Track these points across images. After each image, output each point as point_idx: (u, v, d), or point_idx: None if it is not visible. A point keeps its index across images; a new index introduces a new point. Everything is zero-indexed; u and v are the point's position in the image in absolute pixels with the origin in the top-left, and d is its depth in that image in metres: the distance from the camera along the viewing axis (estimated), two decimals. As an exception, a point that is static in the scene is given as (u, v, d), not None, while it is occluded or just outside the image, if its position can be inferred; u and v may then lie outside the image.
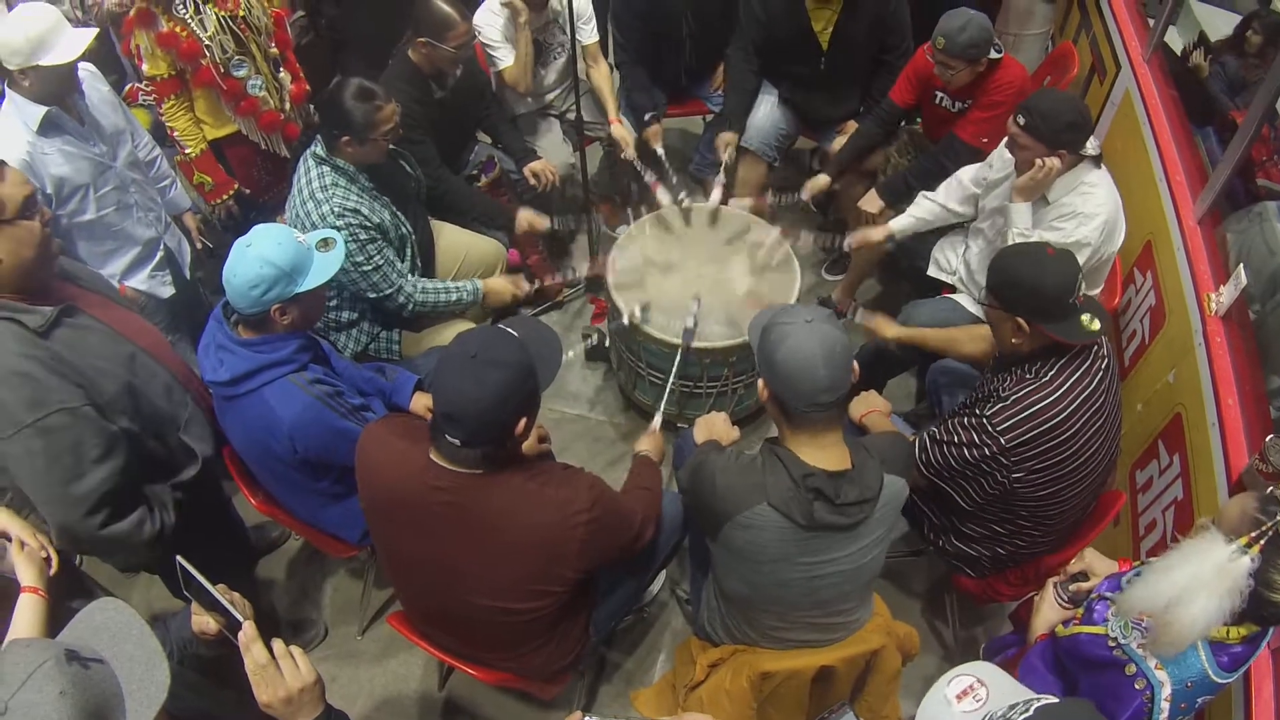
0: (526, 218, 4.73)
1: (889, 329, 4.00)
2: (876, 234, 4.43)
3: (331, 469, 3.31)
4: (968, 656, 3.98)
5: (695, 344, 4.05)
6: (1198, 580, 2.17)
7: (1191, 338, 3.68)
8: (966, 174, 4.22)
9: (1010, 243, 3.72)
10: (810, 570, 2.69)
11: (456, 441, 2.52)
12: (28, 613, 2.47)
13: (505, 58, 4.94)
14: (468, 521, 2.65)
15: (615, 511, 2.84)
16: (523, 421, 2.60)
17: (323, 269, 3.10)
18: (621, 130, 5.17)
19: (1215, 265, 3.78)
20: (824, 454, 2.60)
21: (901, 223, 4.38)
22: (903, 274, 4.73)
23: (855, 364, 2.63)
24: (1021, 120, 3.60)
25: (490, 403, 2.48)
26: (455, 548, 2.72)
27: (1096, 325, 2.97)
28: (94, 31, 3.49)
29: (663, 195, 4.69)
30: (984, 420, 3.07)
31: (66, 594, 2.70)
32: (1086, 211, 3.67)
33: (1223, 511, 2.43)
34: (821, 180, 4.94)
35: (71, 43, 3.43)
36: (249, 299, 2.95)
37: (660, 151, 5.15)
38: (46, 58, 3.37)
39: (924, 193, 4.39)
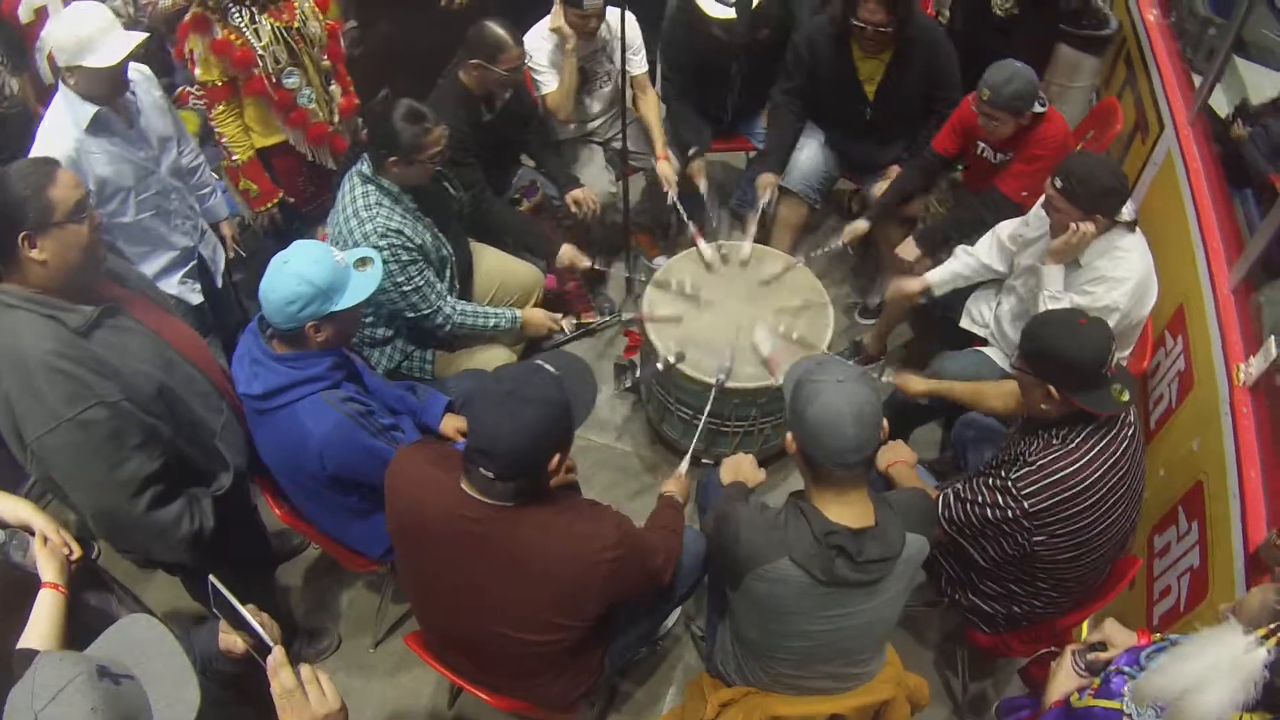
0: (569, 254, 4.73)
1: (916, 384, 4.01)
2: (913, 285, 4.43)
3: (359, 486, 3.32)
4: (977, 709, 4.02)
5: (727, 383, 4.07)
6: (1214, 671, 2.17)
7: (1218, 406, 3.67)
8: (1005, 230, 4.22)
9: (1041, 305, 3.74)
10: (829, 624, 2.71)
11: (490, 475, 2.56)
12: (47, 607, 2.47)
13: (550, 83, 4.97)
14: (495, 552, 2.69)
15: (640, 549, 2.87)
16: (556, 458, 2.64)
17: (359, 288, 3.13)
18: (666, 169, 5.15)
19: (1247, 335, 3.78)
20: (848, 510, 2.61)
21: (939, 276, 4.37)
22: (935, 324, 4.72)
23: (885, 422, 2.65)
24: (1059, 183, 3.61)
25: (525, 440, 2.51)
26: (480, 577, 2.75)
27: (1126, 396, 2.99)
28: (141, 36, 3.50)
29: (704, 247, 4.70)
30: (1009, 483, 3.08)
31: (81, 587, 2.71)
32: (1118, 276, 3.68)
33: (1243, 602, 2.44)
34: (860, 226, 4.95)
35: (116, 46, 3.43)
36: (285, 315, 2.99)
37: (703, 188, 5.18)
38: (90, 59, 3.38)
39: (963, 247, 4.39)
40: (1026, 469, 3.07)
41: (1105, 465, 3.04)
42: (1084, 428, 3.06)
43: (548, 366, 2.72)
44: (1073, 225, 3.63)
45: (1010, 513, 3.09)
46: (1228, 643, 2.19)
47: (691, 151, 5.21)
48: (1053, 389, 3.02)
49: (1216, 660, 2.18)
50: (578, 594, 2.75)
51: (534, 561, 2.68)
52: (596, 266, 4.89)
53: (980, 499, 3.18)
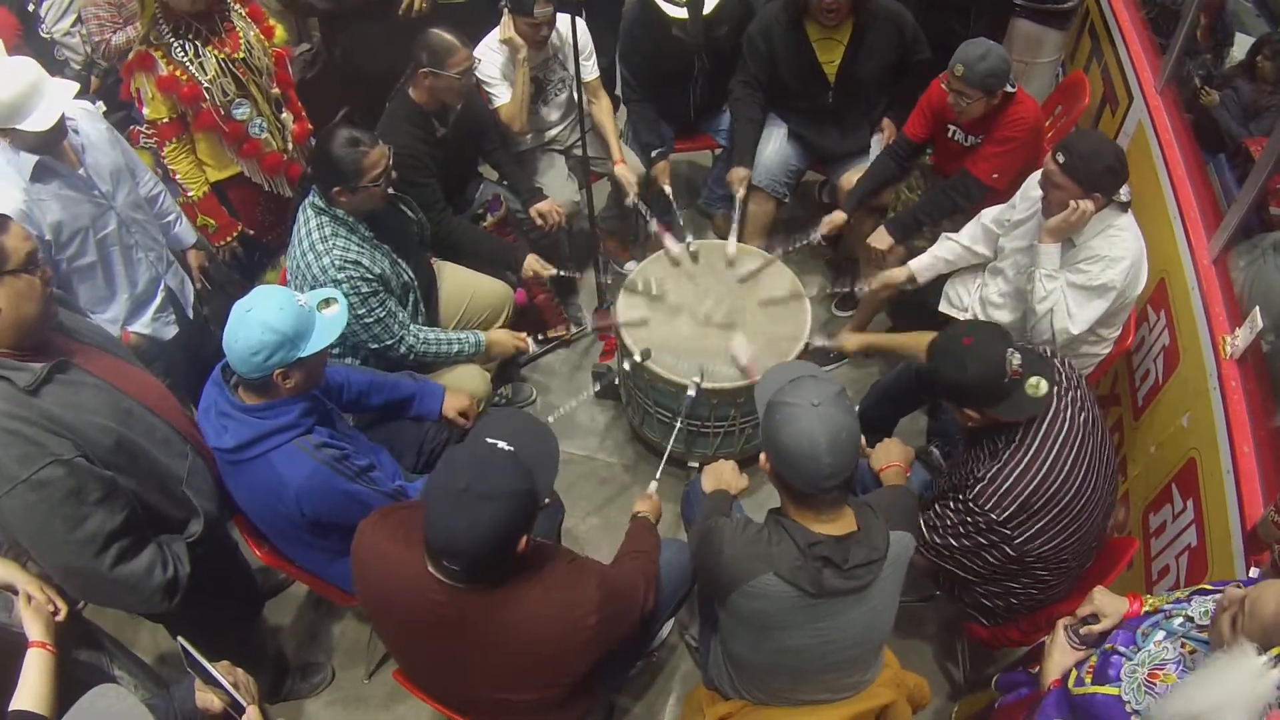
0: (532, 265, 4.67)
1: (850, 341, 4.14)
2: (898, 275, 4.43)
3: (337, 528, 3.22)
4: (978, 697, 3.96)
5: (704, 384, 4.02)
6: (1230, 698, 2.13)
7: (1206, 381, 3.63)
8: (988, 215, 4.21)
9: (1036, 283, 3.75)
10: (820, 635, 2.67)
11: (454, 569, 2.47)
12: (36, 668, 2.45)
13: (502, 95, 4.88)
14: (470, 634, 2.61)
15: (622, 598, 2.82)
16: (524, 539, 2.51)
17: (325, 331, 3.07)
18: (624, 171, 5.11)
19: (1231, 306, 3.73)
20: (829, 525, 2.60)
21: (923, 263, 4.38)
22: (914, 310, 4.69)
23: (863, 441, 2.62)
24: (1061, 159, 3.56)
25: (486, 538, 2.39)
26: (458, 655, 2.69)
27: (1043, 389, 3.01)
28: (74, 88, 3.43)
29: (670, 242, 4.66)
30: (969, 504, 3.11)
31: (71, 644, 2.69)
32: (1114, 255, 3.65)
33: (1257, 606, 2.36)
34: (838, 217, 4.89)
35: (50, 107, 3.33)
36: (251, 365, 2.91)
37: (668, 190, 5.13)
38: (23, 123, 3.30)
39: (946, 234, 4.38)
40: (980, 484, 3.10)
41: (1055, 448, 3.07)
42: (1018, 428, 3.10)
43: (501, 444, 2.55)
44: (1072, 203, 3.60)
45: (981, 524, 3.11)
46: (1242, 668, 2.15)
47: (655, 154, 5.17)
48: (969, 411, 3.09)
49: (1235, 688, 2.14)
50: (564, 660, 2.68)
51: (514, 639, 2.60)
52: (563, 273, 4.82)
53: (947, 521, 3.21)
